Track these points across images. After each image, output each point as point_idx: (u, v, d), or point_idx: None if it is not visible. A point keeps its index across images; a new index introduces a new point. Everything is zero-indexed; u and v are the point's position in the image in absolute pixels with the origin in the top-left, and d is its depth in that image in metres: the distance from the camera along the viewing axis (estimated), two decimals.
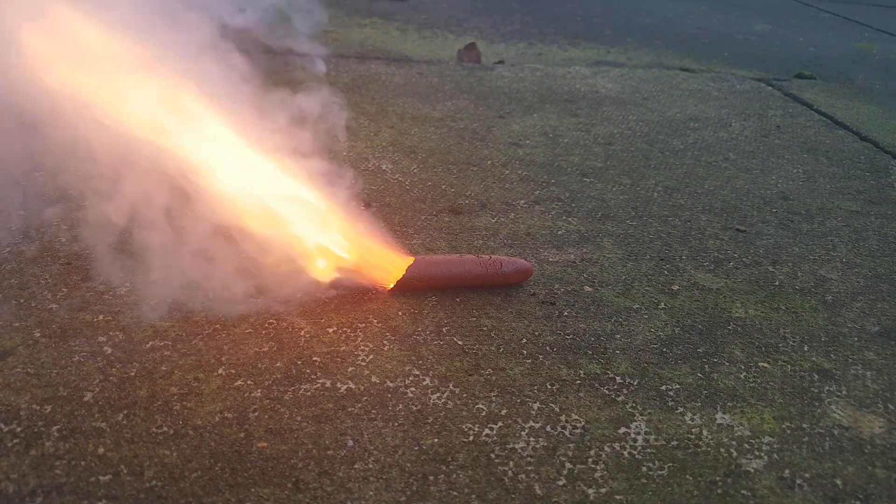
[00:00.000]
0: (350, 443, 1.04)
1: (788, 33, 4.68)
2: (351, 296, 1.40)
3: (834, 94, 3.16)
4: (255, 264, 1.42)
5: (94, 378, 1.13)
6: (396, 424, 1.09)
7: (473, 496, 0.97)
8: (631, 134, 2.48)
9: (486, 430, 1.09)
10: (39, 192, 1.67)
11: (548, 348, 1.30)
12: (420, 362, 1.23)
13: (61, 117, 1.23)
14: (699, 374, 1.26)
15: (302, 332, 1.28)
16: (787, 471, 1.06)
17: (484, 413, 1.12)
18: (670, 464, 1.06)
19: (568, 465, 1.04)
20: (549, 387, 1.20)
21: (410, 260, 1.42)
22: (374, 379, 1.18)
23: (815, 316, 1.48)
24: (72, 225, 1.55)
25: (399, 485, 0.98)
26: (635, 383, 1.23)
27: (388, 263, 1.43)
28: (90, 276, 1.38)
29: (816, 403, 1.22)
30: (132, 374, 1.14)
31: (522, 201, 1.89)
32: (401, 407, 1.12)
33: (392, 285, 1.42)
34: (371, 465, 1.01)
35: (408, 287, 1.42)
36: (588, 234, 1.74)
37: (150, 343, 1.22)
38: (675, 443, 1.10)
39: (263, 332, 1.28)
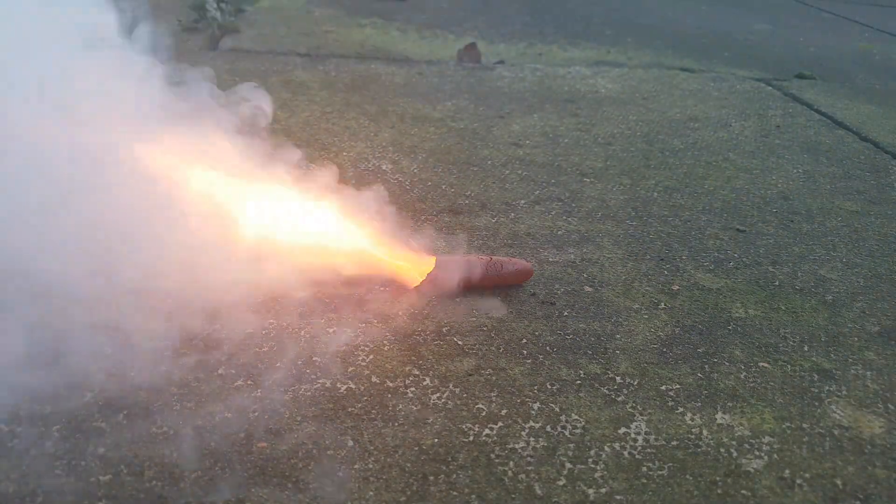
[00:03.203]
0: (350, 443, 1.04)
1: (788, 33, 4.68)
2: (351, 296, 1.40)
3: (834, 94, 3.16)
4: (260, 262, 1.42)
5: (94, 378, 1.13)
6: (396, 424, 1.09)
7: (473, 496, 0.97)
8: (631, 134, 2.48)
9: (486, 430, 1.09)
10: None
11: (548, 348, 1.30)
12: (420, 362, 1.23)
13: None
14: (699, 374, 1.26)
15: (302, 332, 1.28)
16: (787, 471, 1.06)
17: (484, 413, 1.12)
18: (670, 464, 1.06)
19: (568, 465, 1.04)
20: (549, 387, 1.20)
21: (433, 259, 1.43)
22: (374, 379, 1.18)
23: (815, 316, 1.48)
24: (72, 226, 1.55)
25: (399, 485, 0.98)
26: (635, 383, 1.23)
27: (411, 262, 1.44)
28: (90, 277, 1.38)
29: (816, 403, 1.22)
30: (132, 374, 1.14)
31: (522, 201, 1.89)
32: (401, 407, 1.12)
33: (417, 284, 1.43)
34: (371, 465, 1.01)
35: (431, 287, 1.42)
36: (588, 234, 1.74)
37: (151, 343, 1.22)
38: (675, 443, 1.10)
39: (263, 332, 1.28)
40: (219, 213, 1.41)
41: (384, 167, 2.03)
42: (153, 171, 1.37)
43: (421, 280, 1.42)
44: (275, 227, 1.44)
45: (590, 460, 1.05)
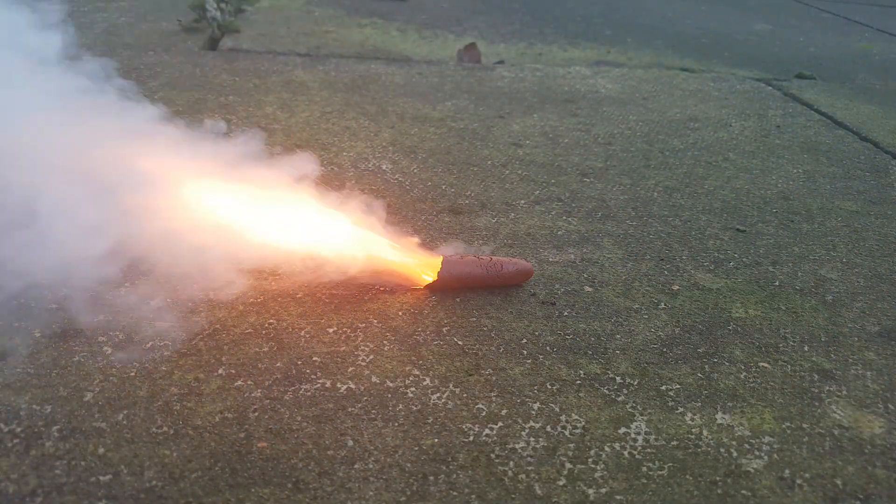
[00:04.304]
0: (350, 443, 1.04)
1: (788, 33, 4.68)
2: (351, 296, 1.40)
3: (834, 94, 3.16)
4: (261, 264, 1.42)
5: (94, 378, 1.13)
6: (396, 424, 1.09)
7: (473, 496, 0.97)
8: (631, 134, 2.48)
9: (486, 430, 1.09)
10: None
11: (548, 348, 1.30)
12: (420, 362, 1.23)
13: None
14: (699, 374, 1.26)
15: (302, 332, 1.28)
16: (787, 471, 1.06)
17: (484, 413, 1.12)
18: (670, 464, 1.06)
19: (568, 465, 1.04)
20: (549, 387, 1.20)
21: (439, 259, 1.43)
22: (374, 379, 1.18)
23: (815, 316, 1.48)
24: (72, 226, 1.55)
25: (399, 485, 0.98)
26: (635, 383, 1.23)
27: (419, 262, 1.44)
28: (90, 276, 1.38)
29: (816, 403, 1.22)
30: (132, 374, 1.14)
31: (522, 201, 1.89)
32: (401, 407, 1.12)
33: (425, 284, 1.43)
34: (371, 465, 1.01)
35: (441, 287, 1.43)
36: (588, 234, 1.74)
37: (150, 343, 1.22)
38: (675, 443, 1.10)
39: (263, 332, 1.28)
40: (219, 213, 1.42)
41: (384, 167, 2.03)
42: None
43: (430, 280, 1.42)
44: (279, 226, 1.44)
45: (590, 460, 1.05)
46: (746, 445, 1.11)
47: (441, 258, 1.44)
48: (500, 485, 0.99)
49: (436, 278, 1.42)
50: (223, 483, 0.96)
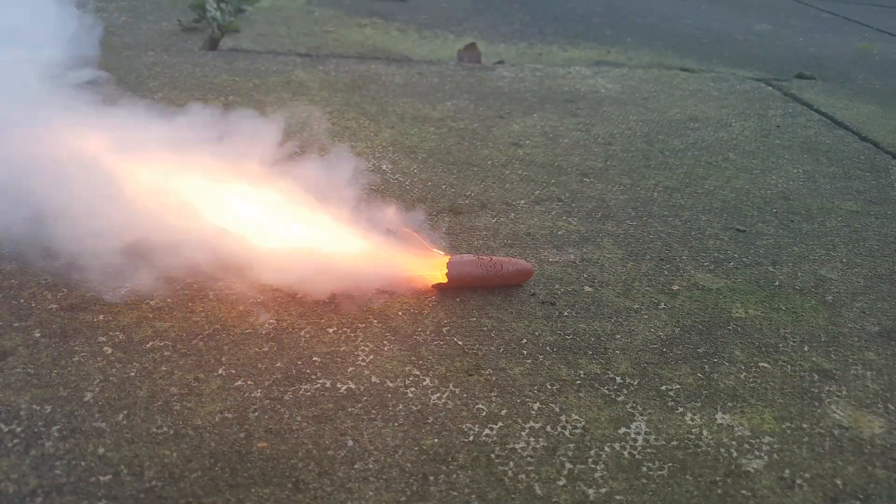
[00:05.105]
0: (350, 443, 1.04)
1: (788, 33, 4.68)
2: (351, 296, 1.40)
3: (834, 94, 3.16)
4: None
5: (94, 378, 1.13)
6: (396, 424, 1.09)
7: (473, 496, 0.97)
8: (631, 134, 2.48)
9: (486, 430, 1.09)
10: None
11: (548, 348, 1.30)
12: (420, 362, 1.23)
13: None
14: (699, 374, 1.26)
15: (302, 332, 1.28)
16: (787, 471, 1.07)
17: (484, 413, 1.12)
18: (670, 464, 1.06)
19: (568, 465, 1.04)
20: (549, 387, 1.20)
21: (445, 259, 1.44)
22: (374, 379, 1.18)
23: (815, 316, 1.48)
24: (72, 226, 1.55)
25: (399, 485, 0.98)
26: (635, 383, 1.23)
27: (426, 262, 1.45)
28: (90, 276, 1.38)
29: (816, 403, 1.22)
30: (132, 374, 1.14)
31: (522, 201, 1.89)
32: (401, 407, 1.12)
33: (434, 284, 1.44)
34: (371, 465, 1.01)
35: (448, 286, 1.43)
36: (588, 234, 1.74)
37: (150, 343, 1.22)
38: (675, 443, 1.10)
39: (263, 332, 1.28)
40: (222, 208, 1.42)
41: (384, 167, 2.03)
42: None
43: (438, 279, 1.42)
44: (285, 226, 1.44)
45: (590, 460, 1.05)
46: (746, 445, 1.11)
47: (447, 258, 1.44)
48: (500, 485, 0.99)
49: (444, 280, 1.42)
50: (223, 483, 0.96)
